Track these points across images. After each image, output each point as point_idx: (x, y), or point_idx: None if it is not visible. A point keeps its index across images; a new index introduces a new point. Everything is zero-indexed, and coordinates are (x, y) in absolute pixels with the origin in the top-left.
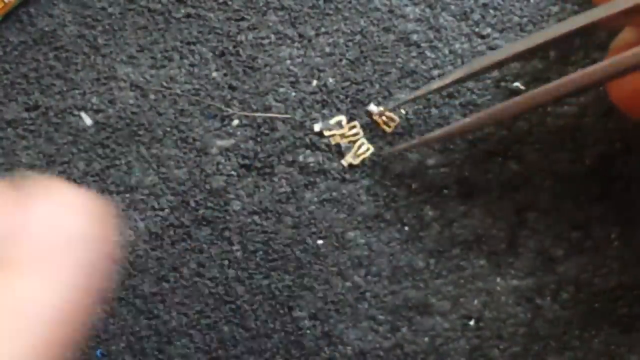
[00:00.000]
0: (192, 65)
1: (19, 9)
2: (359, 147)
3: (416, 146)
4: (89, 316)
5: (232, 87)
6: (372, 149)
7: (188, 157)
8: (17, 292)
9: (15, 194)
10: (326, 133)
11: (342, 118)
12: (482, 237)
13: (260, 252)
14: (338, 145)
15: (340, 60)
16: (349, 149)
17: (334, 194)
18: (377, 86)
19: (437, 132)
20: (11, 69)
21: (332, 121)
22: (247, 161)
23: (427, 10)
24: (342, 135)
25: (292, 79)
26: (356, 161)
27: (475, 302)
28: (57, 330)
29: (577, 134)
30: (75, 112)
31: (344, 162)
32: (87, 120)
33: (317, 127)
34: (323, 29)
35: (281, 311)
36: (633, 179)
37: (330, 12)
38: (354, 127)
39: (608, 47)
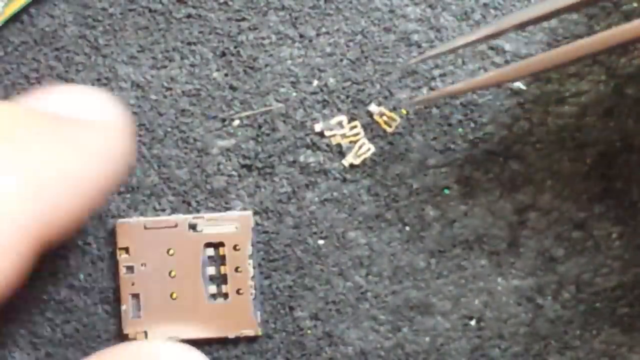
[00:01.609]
0: (192, 65)
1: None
2: (360, 147)
3: (441, 95)
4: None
5: (232, 88)
6: (373, 149)
7: (189, 157)
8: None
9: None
10: (327, 133)
11: (343, 118)
12: (483, 237)
13: (261, 252)
14: (339, 145)
15: (341, 60)
16: (349, 149)
17: (335, 194)
18: (378, 86)
19: (464, 83)
20: (12, 70)
21: (333, 121)
22: (248, 161)
23: (428, 10)
24: (343, 136)
25: (292, 79)
26: (357, 161)
27: (476, 302)
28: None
29: (578, 133)
30: None
31: (345, 162)
32: None
33: (318, 128)
34: (324, 29)
35: (282, 311)
36: (634, 179)
37: (331, 12)
38: (354, 127)
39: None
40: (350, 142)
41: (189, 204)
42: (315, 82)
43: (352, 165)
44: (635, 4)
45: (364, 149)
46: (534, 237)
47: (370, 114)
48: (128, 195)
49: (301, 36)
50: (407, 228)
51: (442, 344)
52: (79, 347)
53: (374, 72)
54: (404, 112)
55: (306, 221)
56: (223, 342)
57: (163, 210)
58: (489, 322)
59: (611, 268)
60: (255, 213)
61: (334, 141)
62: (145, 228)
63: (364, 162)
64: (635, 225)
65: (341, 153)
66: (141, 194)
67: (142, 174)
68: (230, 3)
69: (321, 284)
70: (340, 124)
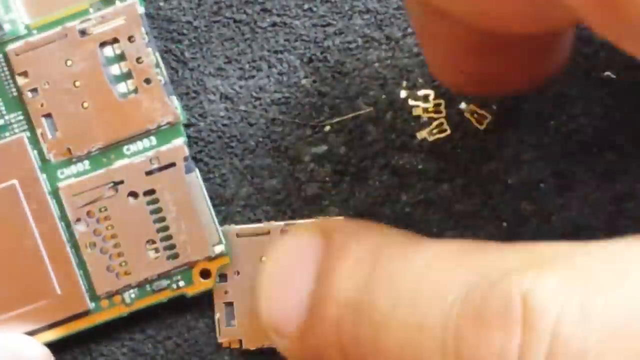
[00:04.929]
0: (280, 73)
1: None
2: (438, 126)
3: None
4: None
5: (321, 94)
6: (448, 131)
7: (281, 166)
8: None
9: None
10: (411, 102)
11: (430, 92)
12: (581, 229)
13: None
14: (418, 117)
15: None
16: (427, 124)
17: (430, 194)
18: None
19: None
20: None
21: (421, 92)
22: (340, 167)
23: None
24: (425, 110)
25: (381, 81)
26: (431, 138)
27: None
28: None
29: None
30: None
31: (418, 136)
32: None
33: (403, 94)
34: (409, 30)
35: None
36: None
37: None
38: (439, 104)
39: None
40: (430, 117)
41: (284, 213)
42: (404, 83)
43: (424, 141)
44: None
45: (440, 129)
46: (633, 226)
47: (461, 112)
48: (223, 208)
49: (387, 38)
50: (504, 224)
51: None
52: None
53: None
54: (495, 108)
55: (402, 224)
56: None
57: (259, 220)
58: None
59: None
60: (351, 218)
61: (414, 112)
62: None
63: (437, 141)
64: None
65: (432, 152)
66: (236, 205)
67: (235, 185)
68: (314, 9)
69: None
70: (426, 98)
